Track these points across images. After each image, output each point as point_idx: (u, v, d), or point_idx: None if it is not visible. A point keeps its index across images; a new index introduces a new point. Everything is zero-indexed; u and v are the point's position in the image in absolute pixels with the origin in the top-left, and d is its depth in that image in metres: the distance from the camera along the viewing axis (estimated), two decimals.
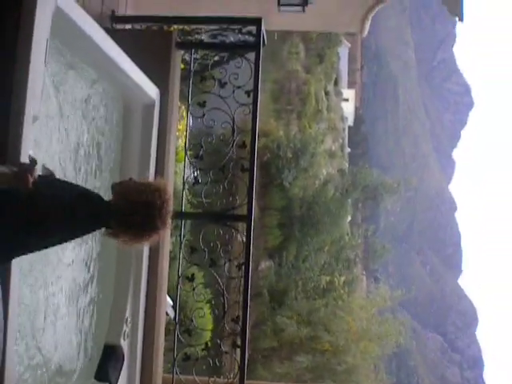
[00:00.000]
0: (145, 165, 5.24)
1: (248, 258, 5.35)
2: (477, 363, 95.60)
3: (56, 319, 4.52)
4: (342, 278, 29.15)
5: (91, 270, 4.92)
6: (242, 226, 5.52)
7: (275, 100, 34.81)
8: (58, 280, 4.46)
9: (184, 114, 6.17)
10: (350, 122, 55.65)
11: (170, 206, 3.02)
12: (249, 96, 5.57)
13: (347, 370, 25.94)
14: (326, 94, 42.27)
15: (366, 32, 9.28)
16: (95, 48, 4.22)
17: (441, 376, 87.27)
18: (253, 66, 5.62)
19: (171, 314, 6.69)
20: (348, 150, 51.98)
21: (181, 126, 6.23)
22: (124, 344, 5.05)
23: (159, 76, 5.47)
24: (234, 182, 5.55)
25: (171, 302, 7.18)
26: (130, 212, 2.90)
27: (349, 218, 34.02)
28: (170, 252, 5.44)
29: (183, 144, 5.61)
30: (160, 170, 5.37)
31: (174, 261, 5.62)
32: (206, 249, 5.47)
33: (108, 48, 4.35)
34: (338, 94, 48.22)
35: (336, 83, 47.04)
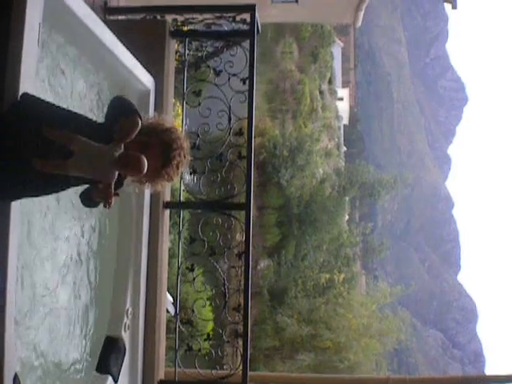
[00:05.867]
0: None
1: (248, 246, 5.31)
2: (478, 358, 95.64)
3: (55, 311, 4.47)
4: (342, 276, 29.16)
5: (90, 262, 4.88)
6: (240, 214, 5.47)
7: (270, 100, 34.80)
8: (56, 272, 4.42)
9: (179, 105, 6.11)
10: (345, 120, 55.68)
11: (184, 142, 2.99)
12: (244, 83, 5.53)
13: (349, 367, 25.93)
14: (321, 93, 42.28)
15: (359, 23, 9.26)
16: (90, 35, 4.18)
17: (442, 372, 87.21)
18: (247, 53, 5.57)
19: (171, 310, 6.64)
20: (344, 148, 51.99)
21: (177, 122, 6.18)
22: (125, 336, 5.00)
23: (154, 65, 5.43)
24: (232, 170, 5.50)
25: (171, 299, 7.13)
26: (144, 149, 2.89)
27: (346, 216, 34.01)
28: (170, 247, 5.39)
29: None
30: None
31: (174, 252, 5.57)
32: (205, 238, 5.42)
33: (103, 35, 4.31)
34: (333, 93, 48.25)
35: (330, 82, 47.07)
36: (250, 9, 5.63)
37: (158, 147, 2.89)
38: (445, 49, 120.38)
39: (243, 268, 5.30)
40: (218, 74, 5.63)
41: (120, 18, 5.83)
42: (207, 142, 5.64)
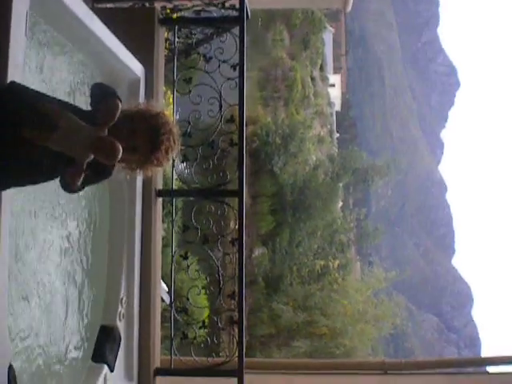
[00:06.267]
0: None
1: (241, 233, 5.30)
2: (474, 342, 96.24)
3: (48, 301, 4.47)
4: (336, 262, 29.26)
5: (82, 252, 4.86)
6: (233, 201, 5.47)
7: (262, 88, 34.74)
8: (48, 259, 4.41)
9: (170, 93, 6.08)
10: (338, 107, 55.61)
11: (173, 127, 2.98)
12: (235, 70, 5.50)
13: (345, 352, 26.06)
14: (312, 79, 42.23)
15: (349, 7, 9.21)
16: (79, 24, 4.15)
17: (438, 355, 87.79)
18: (237, 39, 5.54)
19: (167, 299, 6.64)
20: (336, 135, 51.99)
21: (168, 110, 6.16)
22: (120, 325, 5.00)
23: (143, 53, 5.39)
24: (224, 158, 5.49)
25: (166, 288, 7.12)
26: (132, 135, 2.87)
27: (340, 203, 34.05)
28: (163, 235, 5.38)
29: None
30: None
31: (168, 241, 5.56)
32: (198, 226, 5.41)
33: (92, 24, 4.27)
34: (324, 79, 48.18)
35: (322, 69, 47.01)
36: None
37: (146, 132, 2.87)
38: (436, 33, 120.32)
39: (237, 255, 5.30)
40: (208, 60, 5.61)
41: (108, 6, 5.79)
42: (198, 129, 5.62)
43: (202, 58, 5.62)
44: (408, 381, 5.90)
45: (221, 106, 5.53)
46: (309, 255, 28.88)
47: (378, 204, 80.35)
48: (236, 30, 5.67)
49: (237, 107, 5.53)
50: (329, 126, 47.78)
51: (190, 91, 5.63)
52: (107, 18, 5.21)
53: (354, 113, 69.52)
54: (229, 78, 5.51)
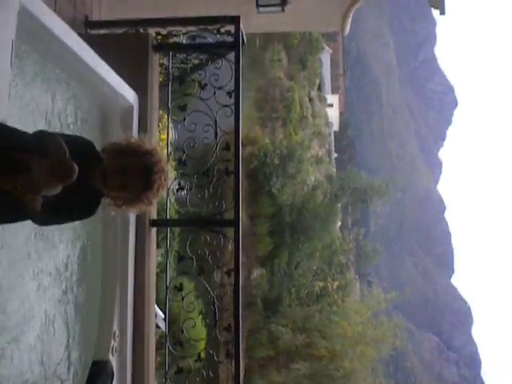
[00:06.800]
0: None
1: (237, 264, 5.17)
2: (474, 361, 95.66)
3: (38, 336, 4.33)
4: (336, 283, 29.04)
5: (74, 285, 4.73)
6: (230, 231, 5.34)
7: (259, 108, 34.66)
8: (39, 291, 4.28)
9: (165, 120, 5.96)
10: (336, 127, 55.66)
11: (165, 165, 2.85)
12: (230, 97, 5.40)
13: (345, 375, 25.83)
14: (310, 100, 42.22)
15: (347, 30, 9.14)
16: (69, 53, 4.04)
17: (438, 375, 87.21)
18: (233, 65, 5.45)
19: (163, 327, 6.49)
20: (335, 155, 51.95)
21: (163, 135, 6.03)
22: (113, 359, 4.85)
23: (137, 80, 5.30)
24: (220, 186, 5.36)
25: (162, 315, 6.97)
26: (123, 172, 2.74)
27: (339, 223, 33.88)
28: (158, 264, 5.24)
29: (165, 151, 5.41)
30: None
31: (163, 271, 5.42)
32: (193, 256, 5.28)
33: (82, 52, 4.16)
34: (322, 99, 48.23)
35: (320, 89, 47.08)
36: (235, 21, 5.50)
37: (139, 170, 2.75)
38: (433, 52, 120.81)
39: (233, 287, 5.16)
40: (203, 87, 5.50)
41: (102, 31, 5.70)
42: (194, 158, 5.50)
43: (197, 85, 5.51)
44: None
45: (216, 134, 5.42)
46: (308, 276, 28.66)
47: (377, 222, 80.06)
48: (231, 56, 5.58)
49: (232, 134, 5.42)
50: (327, 146, 47.76)
51: (184, 119, 5.52)
52: (101, 44, 5.13)
53: (352, 132, 69.54)
54: (224, 105, 5.40)
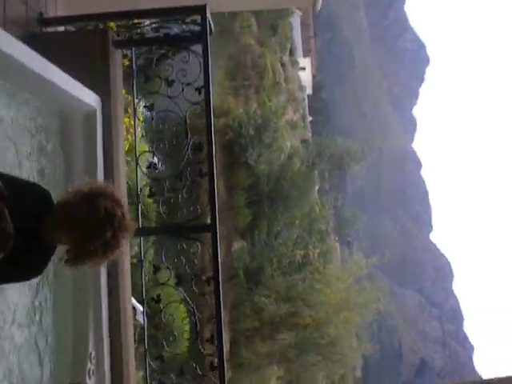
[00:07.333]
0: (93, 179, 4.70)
1: (217, 271, 4.88)
2: (456, 316, 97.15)
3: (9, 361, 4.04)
4: (317, 251, 28.94)
5: (44, 303, 4.42)
6: (207, 236, 5.03)
7: (231, 77, 34.19)
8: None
9: (131, 119, 5.61)
10: (309, 90, 55.23)
11: (124, 211, 2.53)
12: (200, 93, 5.05)
13: (330, 342, 25.95)
14: (283, 65, 41.75)
15: (319, 6, 8.77)
16: (14, 64, 3.66)
17: (422, 331, 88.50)
18: (201, 59, 5.08)
19: (141, 320, 6.19)
20: (309, 118, 51.68)
21: (130, 135, 5.69)
22: (90, 383, 4.56)
23: (98, 80, 4.92)
24: (194, 190, 5.04)
25: (141, 308, 6.67)
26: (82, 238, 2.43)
27: (316, 190, 33.74)
28: (131, 276, 4.93)
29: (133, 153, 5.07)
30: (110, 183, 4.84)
31: (137, 284, 5.11)
32: (169, 266, 4.97)
33: (29, 61, 3.77)
34: (295, 63, 47.76)
35: (291, 53, 46.61)
36: (201, 10, 5.12)
37: (90, 223, 2.42)
38: (403, 10, 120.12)
39: (214, 295, 4.88)
40: (170, 84, 5.14)
41: (59, 29, 5.29)
42: (164, 159, 5.17)
43: (163, 82, 5.14)
44: None
45: (187, 133, 5.08)
46: (288, 246, 28.53)
47: (354, 185, 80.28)
48: (199, 48, 5.22)
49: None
50: (301, 111, 47.49)
51: (152, 118, 5.17)
52: (58, 43, 4.77)
53: (325, 95, 69.18)
54: (194, 103, 5.05)
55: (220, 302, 4.87)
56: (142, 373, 4.97)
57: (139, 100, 5.32)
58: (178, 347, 4.94)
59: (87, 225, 2.42)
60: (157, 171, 4.98)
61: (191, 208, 4.96)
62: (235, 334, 26.43)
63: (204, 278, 4.93)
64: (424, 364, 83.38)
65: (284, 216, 28.81)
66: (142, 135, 5.54)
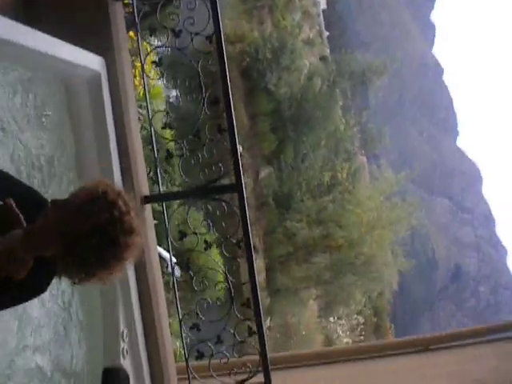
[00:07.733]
0: (105, 150, 4.38)
1: (247, 233, 4.58)
2: (488, 220, 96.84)
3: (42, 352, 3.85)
4: (345, 171, 28.60)
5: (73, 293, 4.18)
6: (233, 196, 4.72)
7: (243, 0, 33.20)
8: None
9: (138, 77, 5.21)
10: (323, 4, 53.68)
11: (129, 212, 2.21)
12: (211, 42, 4.62)
13: (366, 261, 25.95)
14: None
15: None
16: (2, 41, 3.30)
17: (454, 237, 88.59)
18: (209, 3, 4.63)
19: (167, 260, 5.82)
20: (326, 33, 50.43)
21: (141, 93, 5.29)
22: (125, 363, 4.35)
23: (100, 39, 4.52)
24: (215, 147, 4.68)
25: (167, 255, 6.32)
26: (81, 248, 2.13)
27: (340, 110, 33.07)
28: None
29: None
30: (123, 150, 4.52)
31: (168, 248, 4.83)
32: (196, 231, 4.68)
33: (20, 37, 3.39)
34: None
35: None
36: None
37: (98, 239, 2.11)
38: None
39: (246, 258, 4.60)
40: (177, 35, 4.71)
41: None
42: (180, 118, 4.80)
43: (170, 33, 4.71)
44: (452, 357, 5.30)
45: (201, 88, 4.68)
46: (316, 168, 28.21)
47: (377, 97, 78.97)
48: None
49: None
50: (317, 27, 46.30)
51: (162, 74, 4.78)
52: (52, 6, 4.37)
53: (340, 7, 67.33)
54: (206, 53, 4.64)
55: (253, 266, 4.60)
56: (177, 343, 4.75)
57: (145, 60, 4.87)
58: (212, 313, 4.73)
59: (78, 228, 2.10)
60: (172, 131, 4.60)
61: (213, 168, 4.61)
62: (270, 261, 26.55)
63: (234, 241, 4.63)
64: (459, 269, 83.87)
65: (309, 138, 28.39)
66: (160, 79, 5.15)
